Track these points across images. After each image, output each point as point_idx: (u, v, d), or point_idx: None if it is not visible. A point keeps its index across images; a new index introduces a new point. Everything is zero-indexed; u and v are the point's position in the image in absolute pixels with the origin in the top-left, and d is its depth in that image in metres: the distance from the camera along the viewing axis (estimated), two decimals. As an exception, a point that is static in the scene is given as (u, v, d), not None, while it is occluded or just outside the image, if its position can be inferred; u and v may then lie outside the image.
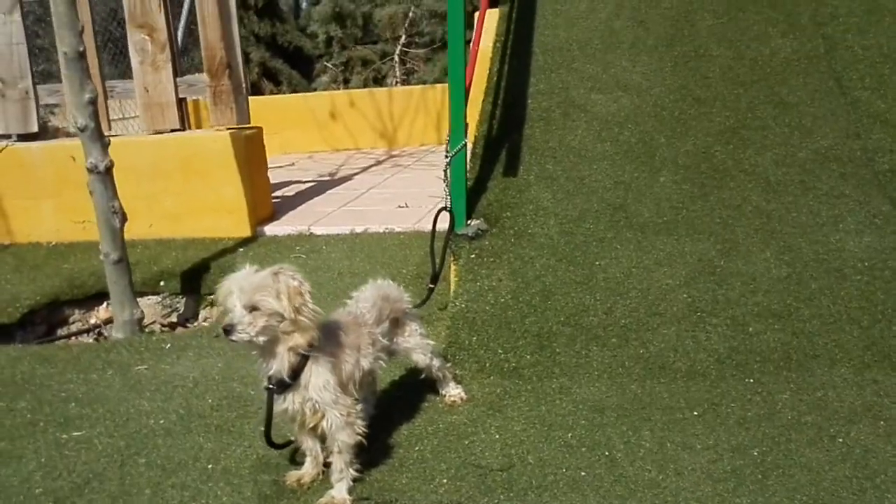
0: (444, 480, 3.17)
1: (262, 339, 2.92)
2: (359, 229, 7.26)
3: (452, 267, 4.88)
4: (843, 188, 5.01)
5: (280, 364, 2.97)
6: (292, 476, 3.26)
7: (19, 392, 4.38)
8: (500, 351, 4.17)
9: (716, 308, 4.29)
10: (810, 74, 5.93)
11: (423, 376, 3.76)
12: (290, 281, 2.99)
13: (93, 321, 6.87)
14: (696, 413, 3.60)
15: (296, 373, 3.00)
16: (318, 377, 3.00)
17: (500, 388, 3.92)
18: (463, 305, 4.43)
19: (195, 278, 6.67)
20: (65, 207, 7.49)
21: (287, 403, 3.04)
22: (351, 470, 3.11)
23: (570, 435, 3.46)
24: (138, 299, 7.02)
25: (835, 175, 5.12)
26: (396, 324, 3.55)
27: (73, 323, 6.87)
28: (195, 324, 6.73)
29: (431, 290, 4.77)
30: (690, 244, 4.71)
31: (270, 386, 3.03)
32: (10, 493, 3.30)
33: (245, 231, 7.39)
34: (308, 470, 3.26)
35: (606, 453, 3.30)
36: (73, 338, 6.50)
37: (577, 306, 4.35)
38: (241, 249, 6.93)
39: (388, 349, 3.45)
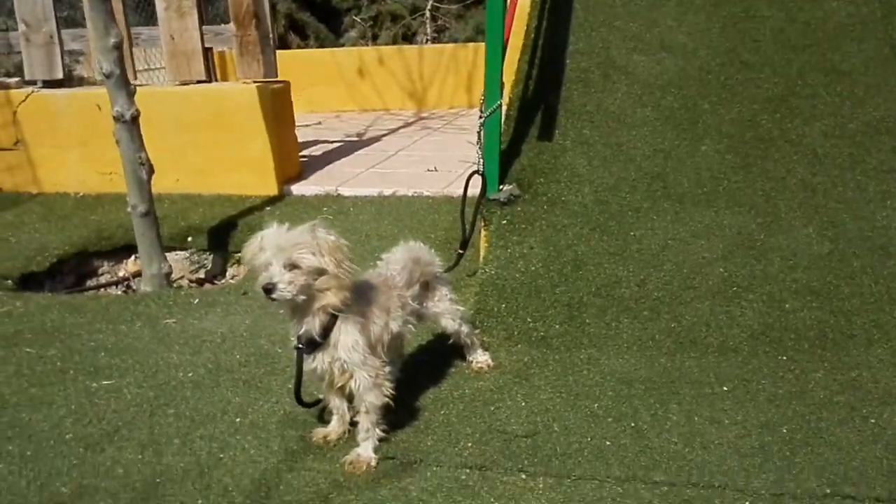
0: (469, 444, 3.30)
1: (302, 297, 3.03)
2: (387, 192, 7.37)
3: (483, 233, 4.98)
4: (893, 163, 5.01)
5: (311, 323, 3.10)
6: (319, 433, 3.41)
7: (49, 340, 4.58)
8: (528, 319, 4.27)
9: (752, 283, 4.35)
10: (865, 40, 5.88)
11: (450, 342, 3.89)
12: (327, 237, 3.11)
13: (121, 273, 7.08)
14: (725, 388, 3.69)
15: (326, 332, 3.12)
16: (347, 337, 3.13)
17: (527, 357, 4.03)
18: (493, 272, 4.54)
19: (222, 235, 6.84)
20: (91, 157, 7.67)
21: (316, 363, 3.18)
22: (377, 430, 3.26)
23: (596, 405, 3.57)
24: (166, 254, 7.25)
25: (885, 149, 5.12)
26: (427, 287, 3.66)
27: (101, 274, 7.08)
28: (222, 281, 6.91)
29: (461, 255, 4.88)
30: (730, 217, 4.76)
31: (300, 346, 3.16)
32: (41, 438, 3.49)
33: (272, 189, 7.52)
34: (335, 428, 3.41)
35: (632, 424, 3.41)
36: (102, 289, 6.71)
37: (609, 277, 4.44)
38: (269, 208, 7.08)
39: (417, 313, 3.57)
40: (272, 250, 2.98)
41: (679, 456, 3.18)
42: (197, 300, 5.20)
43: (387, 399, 3.24)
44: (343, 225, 6.43)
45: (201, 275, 7.05)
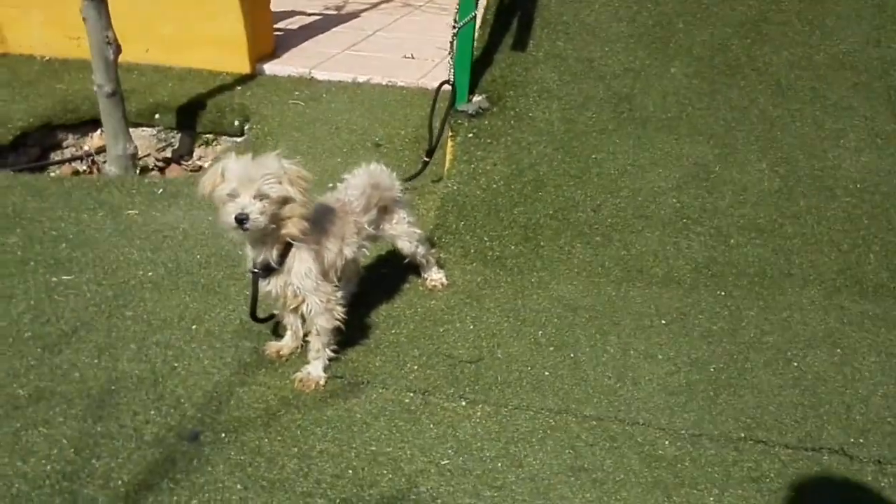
0: (415, 367, 3.39)
1: (272, 226, 3.01)
2: (361, 79, 7.19)
3: (449, 143, 4.92)
4: (851, 100, 4.99)
5: (268, 251, 3.09)
6: (272, 346, 3.47)
7: (10, 226, 4.52)
8: (485, 238, 4.30)
9: (702, 216, 4.39)
10: (844, -32, 5.72)
11: (406, 261, 3.90)
12: (292, 167, 3.07)
13: (86, 148, 6.93)
14: (664, 322, 3.79)
15: (282, 259, 3.13)
16: (301, 264, 3.14)
17: (480, 277, 4.09)
18: (454, 188, 4.52)
19: (191, 114, 6.67)
20: (56, 20, 7.32)
21: (271, 286, 3.20)
22: (327, 350, 3.33)
23: (540, 332, 3.67)
24: (132, 130, 7.07)
25: (847, 84, 5.08)
26: (385, 211, 3.66)
27: (66, 148, 6.92)
28: (189, 162, 6.80)
29: (426, 163, 4.86)
30: (689, 145, 4.75)
31: (255, 270, 3.17)
32: (0, 336, 3.51)
33: (244, 67, 7.29)
34: (288, 343, 3.47)
35: (572, 355, 3.52)
36: (68, 164, 6.58)
37: (567, 200, 4.45)
38: (239, 88, 6.89)
39: (373, 237, 3.57)
40: (240, 180, 2.92)
41: (610, 391, 3.30)
42: (161, 190, 5.14)
43: (337, 322, 3.29)
44: (314, 114, 6.31)
45: (168, 154, 6.93)
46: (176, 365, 3.34)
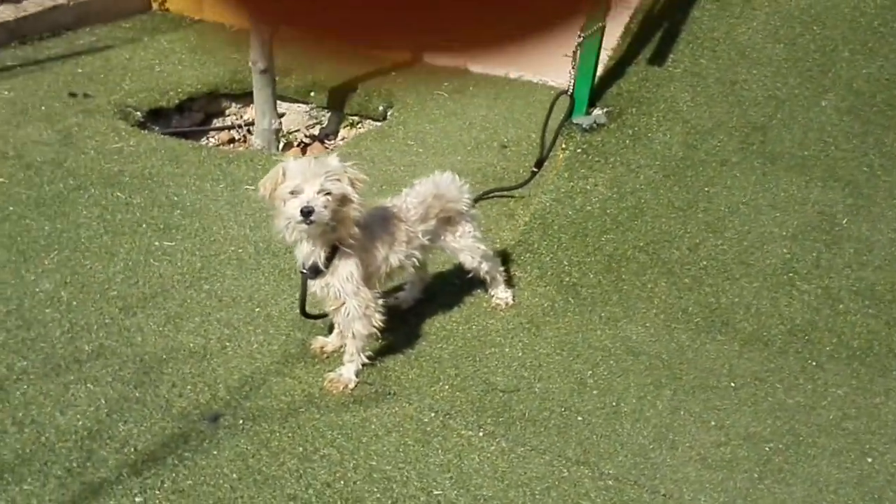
0: (446, 387, 3.35)
1: (333, 223, 3.07)
2: (513, 75, 7.14)
3: (560, 156, 4.77)
4: None
5: (316, 253, 3.15)
6: (318, 342, 3.55)
7: (140, 187, 4.90)
8: (565, 262, 4.15)
9: (813, 273, 3.98)
10: None
11: (470, 275, 3.84)
12: (352, 168, 3.12)
13: (246, 117, 7.37)
14: (732, 385, 3.49)
15: (328, 261, 3.18)
16: (344, 268, 3.19)
17: (548, 302, 3.95)
18: (547, 204, 4.39)
19: (342, 95, 6.93)
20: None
21: (315, 287, 3.26)
22: (362, 356, 3.35)
23: (589, 373, 3.50)
24: (289, 105, 7.47)
25: None
26: (448, 222, 3.61)
27: (227, 116, 7.40)
28: (333, 141, 7.06)
29: (534, 174, 4.73)
30: (819, 191, 4.31)
31: (304, 271, 3.25)
32: (92, 290, 3.83)
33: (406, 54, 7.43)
34: (333, 340, 3.54)
35: (614, 403, 3.33)
36: (226, 131, 7.03)
37: (663, 234, 4.19)
38: (393, 73, 7.03)
39: (426, 248, 3.54)
40: (303, 176, 2.99)
41: (641, 451, 3.09)
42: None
43: (374, 329, 3.30)
44: (453, 107, 6.35)
45: (316, 131, 7.22)
46: (227, 344, 3.49)
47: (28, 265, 3.91)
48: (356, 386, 3.32)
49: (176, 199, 4.78)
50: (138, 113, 6.23)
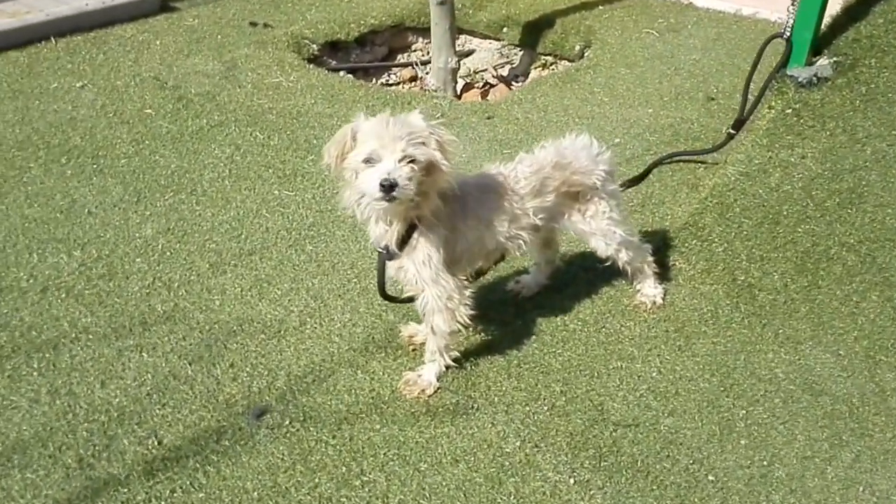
0: (545, 408, 2.72)
1: (417, 198, 2.48)
2: (746, 11, 6.11)
3: (765, 116, 3.79)
4: None
5: (391, 233, 2.58)
6: (408, 329, 3.04)
7: (283, 127, 4.58)
8: (743, 256, 3.26)
9: None
10: None
11: (607, 263, 3.08)
12: (440, 128, 2.51)
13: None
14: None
15: (403, 242, 2.60)
16: (422, 250, 2.60)
17: (711, 307, 3.12)
18: (732, 178, 3.48)
19: (537, 32, 6.26)
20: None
21: (391, 269, 2.71)
22: (446, 356, 2.78)
23: (743, 412, 2.71)
24: (480, 41, 6.85)
25: None
26: (575, 199, 2.88)
27: (414, 51, 6.93)
28: (521, 83, 6.39)
29: (730, 136, 3.85)
30: None
31: (381, 250, 2.69)
32: (190, 240, 3.57)
33: None
34: (422, 330, 2.97)
35: (766, 462, 2.53)
36: (410, 67, 6.56)
37: (885, 230, 3.15)
38: (602, 7, 6.25)
39: (539, 228, 2.84)
40: (381, 140, 2.39)
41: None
42: (441, 114, 4.80)
43: (458, 326, 2.70)
44: (661, 48, 5.58)
45: (504, 71, 6.59)
46: (308, 320, 3.08)
47: (140, 206, 3.72)
48: (435, 392, 2.73)
49: (315, 142, 4.42)
50: (314, 45, 5.92)
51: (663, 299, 3.12)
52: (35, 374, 2.76)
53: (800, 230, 3.24)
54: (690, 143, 4.41)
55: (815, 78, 3.64)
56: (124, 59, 5.16)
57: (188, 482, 2.39)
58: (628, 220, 3.00)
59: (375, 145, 2.36)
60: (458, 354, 2.80)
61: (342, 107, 4.88)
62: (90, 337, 2.95)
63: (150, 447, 2.51)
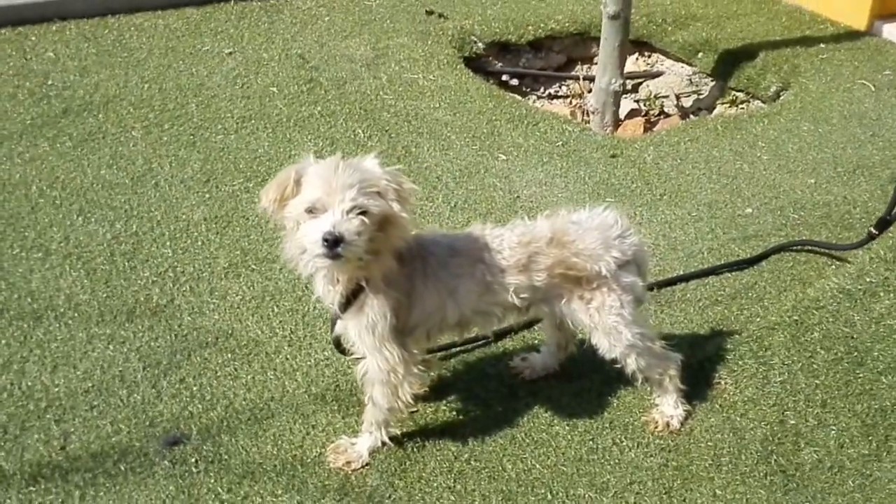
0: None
1: (368, 256, 2.22)
2: None
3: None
4: None
5: (334, 294, 2.32)
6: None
7: (390, 128, 4.43)
8: (802, 396, 2.65)
9: None
10: None
11: (619, 365, 2.63)
12: (400, 176, 2.25)
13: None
14: None
15: (349, 302, 2.35)
16: (366, 315, 2.31)
17: (733, 447, 2.55)
18: (826, 293, 2.85)
19: (732, 63, 5.61)
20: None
21: (338, 327, 2.47)
22: (383, 432, 2.49)
23: None
24: (673, 64, 6.28)
25: None
26: (577, 284, 2.46)
27: (596, 63, 6.49)
28: (706, 116, 5.79)
29: (870, 237, 3.20)
30: None
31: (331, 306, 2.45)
32: (230, 231, 3.52)
33: (858, 21, 5.76)
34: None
35: None
36: (578, 80, 6.17)
37: None
38: (823, 46, 5.46)
39: (517, 308, 2.45)
40: (327, 187, 2.12)
41: None
42: (562, 142, 4.43)
43: (399, 404, 2.41)
44: (866, 105, 4.86)
45: (688, 102, 6.02)
46: (284, 349, 2.96)
47: (205, 187, 3.79)
48: (362, 467, 2.47)
49: (414, 150, 4.32)
50: (479, 44, 5.71)
51: (681, 423, 2.61)
52: (2, 342, 2.81)
53: (885, 381, 2.56)
54: (839, 232, 3.72)
55: None
56: (285, 31, 5.20)
57: (60, 500, 2.32)
58: (644, 322, 2.51)
59: (320, 193, 2.10)
60: (397, 433, 2.49)
61: (464, 115, 4.65)
62: (76, 316, 2.98)
63: (51, 450, 2.47)
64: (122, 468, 2.42)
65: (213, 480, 2.41)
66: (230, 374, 2.76)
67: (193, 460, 2.46)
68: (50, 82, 4.34)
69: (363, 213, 2.09)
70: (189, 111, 4.27)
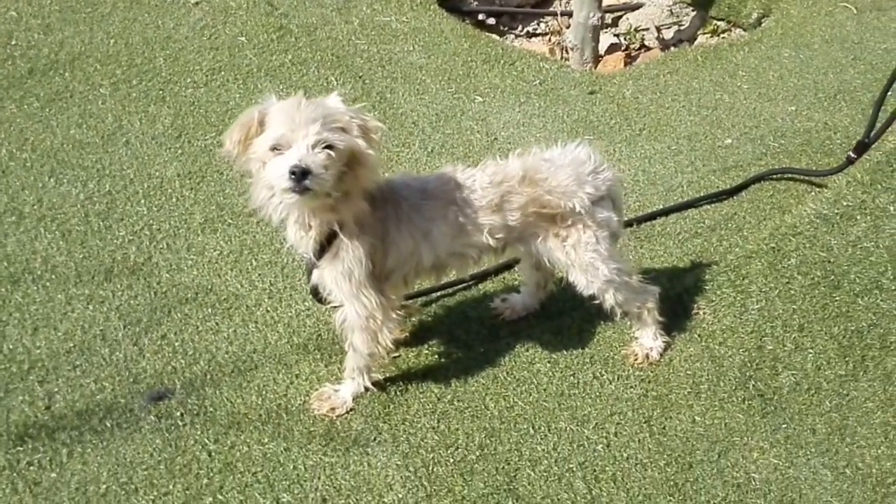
0: (452, 461, 2.44)
1: (336, 193, 2.24)
2: None
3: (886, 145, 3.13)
4: None
5: (307, 240, 2.34)
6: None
7: (364, 74, 4.41)
8: (779, 322, 2.71)
9: None
10: None
11: (597, 301, 2.70)
12: (365, 115, 2.28)
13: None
14: None
15: (323, 249, 2.39)
16: (342, 262, 2.35)
17: (711, 375, 2.63)
18: (804, 219, 2.89)
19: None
20: None
21: (313, 276, 2.51)
22: (366, 377, 2.55)
23: None
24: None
25: None
26: (552, 221, 2.50)
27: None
28: (686, 48, 5.78)
29: (849, 161, 3.25)
30: None
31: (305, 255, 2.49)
32: (203, 189, 3.52)
33: None
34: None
35: None
36: (556, 16, 6.14)
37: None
38: None
39: (493, 248, 2.50)
40: (291, 123, 2.13)
41: None
42: (539, 81, 4.43)
43: (380, 349, 2.47)
44: (850, 30, 4.89)
45: (669, 34, 6.01)
46: (264, 302, 3.00)
47: (177, 143, 3.78)
48: (346, 413, 2.55)
49: (389, 96, 4.36)
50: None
51: (661, 355, 2.68)
52: (-20, 307, 2.85)
53: (861, 302, 2.63)
54: (819, 158, 3.76)
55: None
56: (249, -24, 5.13)
57: (49, 458, 2.38)
58: (620, 257, 2.57)
59: (284, 129, 2.12)
60: (380, 378, 2.56)
61: (438, 58, 4.64)
62: (53, 278, 3.00)
63: (36, 410, 2.51)
64: (109, 424, 2.46)
65: (199, 432, 2.45)
66: (211, 328, 2.80)
67: (179, 414, 2.51)
68: (14, 42, 4.29)
69: (329, 147, 2.10)
70: (157, 65, 4.24)
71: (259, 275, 3.04)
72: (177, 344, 2.75)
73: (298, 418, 2.50)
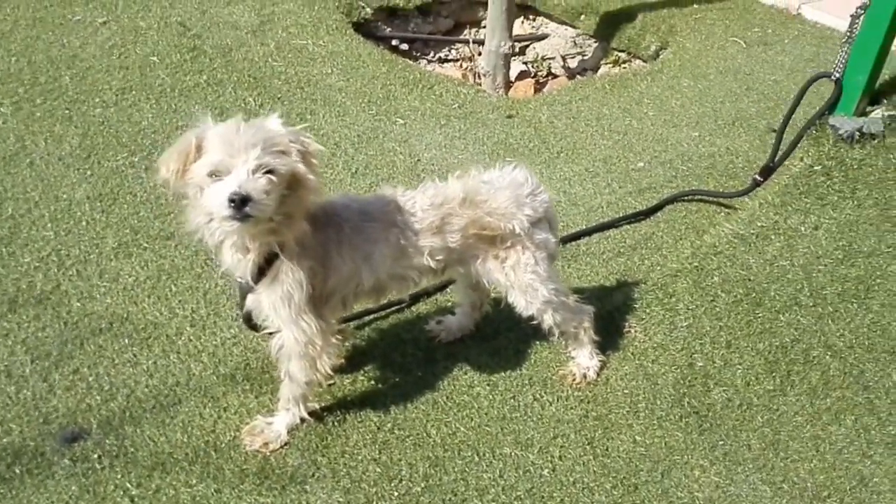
0: (396, 494, 2.21)
1: (278, 217, 2.04)
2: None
3: (791, 169, 3.10)
4: None
5: (245, 262, 2.12)
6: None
7: (283, 96, 4.19)
8: (708, 339, 2.65)
9: None
10: None
11: (535, 322, 2.54)
12: (306, 137, 2.05)
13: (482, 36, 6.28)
14: None
15: (262, 273, 2.15)
16: (281, 285, 2.12)
17: (647, 393, 2.54)
18: (721, 239, 2.83)
19: (614, 25, 5.57)
20: None
21: (248, 301, 2.26)
22: (302, 407, 2.31)
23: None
24: (557, 27, 6.19)
25: None
26: (492, 243, 2.34)
27: (483, 26, 6.37)
28: (592, 76, 5.76)
29: (755, 184, 3.20)
30: None
31: (239, 279, 2.25)
32: (116, 209, 3.21)
33: None
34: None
35: None
36: (468, 44, 6.04)
37: (884, 338, 2.46)
38: (696, 6, 5.47)
39: (433, 270, 2.33)
40: (230, 148, 1.93)
41: None
42: (458, 104, 4.28)
43: (318, 377, 2.23)
44: (741, 62, 4.89)
45: (574, 63, 5.98)
46: (186, 330, 2.71)
47: (85, 164, 3.44)
48: (280, 447, 2.29)
49: (310, 117, 4.09)
50: (367, 9, 5.44)
51: (597, 374, 2.55)
52: None
53: (783, 319, 2.58)
54: (725, 180, 3.74)
55: (859, 132, 2.91)
56: (161, -3, 4.82)
57: None
58: (557, 278, 2.42)
59: (223, 155, 1.90)
60: (316, 407, 2.33)
61: (357, 81, 4.44)
62: (-47, 306, 2.64)
63: None
64: (18, 471, 2.15)
65: (119, 476, 2.17)
66: (129, 360, 2.51)
67: (96, 456, 2.22)
68: None
69: (270, 172, 1.91)
70: (63, 84, 3.89)
71: (179, 301, 2.76)
72: (91, 379, 2.45)
73: (229, 456, 2.24)
